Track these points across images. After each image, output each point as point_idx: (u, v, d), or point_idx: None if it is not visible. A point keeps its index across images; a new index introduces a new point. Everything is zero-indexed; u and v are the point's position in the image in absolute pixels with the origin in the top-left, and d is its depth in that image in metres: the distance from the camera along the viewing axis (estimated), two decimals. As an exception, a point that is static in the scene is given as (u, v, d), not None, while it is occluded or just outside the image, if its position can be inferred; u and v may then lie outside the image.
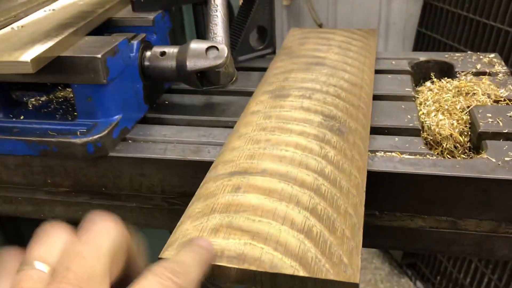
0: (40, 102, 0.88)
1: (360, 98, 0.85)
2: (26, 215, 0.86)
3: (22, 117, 0.81)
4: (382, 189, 0.70)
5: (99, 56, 0.73)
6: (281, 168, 0.65)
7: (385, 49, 3.35)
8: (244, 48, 1.08)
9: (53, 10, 0.90)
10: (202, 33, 1.03)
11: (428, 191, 0.69)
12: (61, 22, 0.81)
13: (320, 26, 3.42)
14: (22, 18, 0.90)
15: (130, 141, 0.81)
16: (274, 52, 1.13)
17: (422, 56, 1.05)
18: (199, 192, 0.64)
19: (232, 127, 0.85)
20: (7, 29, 0.81)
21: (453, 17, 2.69)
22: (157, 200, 0.79)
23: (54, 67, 0.73)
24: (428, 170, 0.68)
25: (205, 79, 0.86)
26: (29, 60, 0.66)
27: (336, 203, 0.59)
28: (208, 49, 0.82)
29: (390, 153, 0.73)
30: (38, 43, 0.73)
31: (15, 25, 0.82)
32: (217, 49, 0.82)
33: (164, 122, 0.87)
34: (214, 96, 0.95)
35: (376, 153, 0.73)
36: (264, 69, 1.07)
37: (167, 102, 0.93)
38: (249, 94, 0.96)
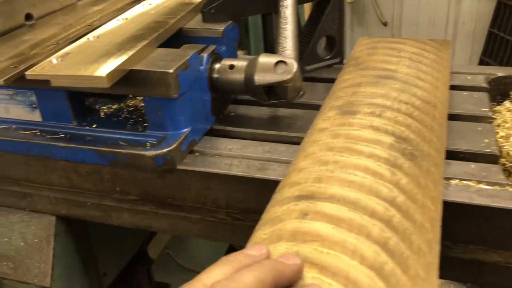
0: (112, 110, 0.90)
1: (433, 118, 0.81)
2: (94, 219, 0.89)
3: (94, 126, 0.84)
4: (456, 220, 0.67)
5: (171, 71, 0.74)
6: (350, 195, 0.63)
7: (452, 50, 3.21)
8: (311, 57, 1.06)
9: (126, 19, 0.91)
10: (271, 43, 1.02)
11: (507, 226, 0.65)
12: (134, 34, 0.83)
13: (385, 24, 3.33)
14: (97, 26, 0.93)
15: (197, 154, 0.81)
16: (342, 62, 1.11)
17: (500, 72, 0.99)
18: (266, 216, 0.63)
19: (297, 143, 0.83)
20: (84, 39, 0.83)
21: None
22: (221, 214, 0.80)
23: (126, 80, 0.74)
24: (507, 204, 0.64)
25: (273, 93, 0.85)
26: (104, 75, 0.68)
27: (409, 239, 0.56)
28: (276, 63, 0.81)
29: (465, 182, 0.69)
30: (113, 56, 0.74)
31: (90, 35, 0.84)
32: (286, 64, 0.81)
33: (229, 134, 0.87)
34: (280, 109, 0.94)
35: (451, 180, 0.70)
36: (331, 80, 1.04)
37: (233, 114, 0.93)
38: (315, 107, 0.94)
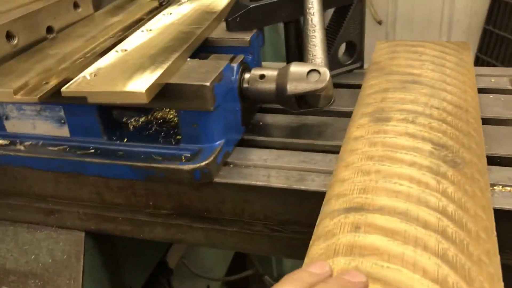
0: (140, 123, 0.89)
1: (468, 123, 0.81)
2: (125, 234, 0.88)
3: (125, 140, 0.82)
4: (505, 228, 0.66)
5: (208, 84, 0.73)
6: (399, 205, 0.62)
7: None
8: (332, 63, 1.06)
9: (151, 30, 0.90)
10: (293, 51, 1.01)
11: (554, 231, 0.65)
12: (164, 46, 0.82)
13: (380, 23, 3.34)
14: (121, 37, 0.91)
15: (231, 166, 0.80)
16: (362, 67, 1.10)
17: (523, 73, 1.00)
18: (318, 231, 0.62)
19: (330, 151, 0.83)
20: (112, 53, 0.81)
21: (525, 14, 2.57)
22: (259, 226, 0.79)
23: (162, 94, 0.73)
24: (554, 209, 0.64)
25: (304, 102, 0.84)
26: (143, 91, 0.67)
27: (467, 249, 0.56)
28: (309, 72, 0.81)
29: (509, 188, 0.69)
30: (147, 70, 0.73)
31: (118, 48, 0.83)
32: (319, 72, 0.81)
33: (261, 144, 0.86)
34: (308, 117, 0.93)
35: (494, 187, 0.70)
36: (354, 86, 1.04)
37: (261, 123, 0.92)
38: (343, 114, 0.94)
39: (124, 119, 0.90)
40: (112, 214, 0.86)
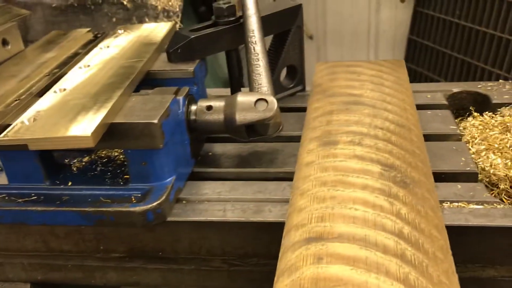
0: (84, 163, 0.85)
1: (412, 142, 0.84)
2: (75, 282, 0.83)
3: (70, 183, 0.78)
4: (453, 242, 0.69)
5: (156, 121, 0.71)
6: (358, 232, 0.63)
7: (376, 57, 3.37)
8: (275, 87, 1.06)
9: (89, 66, 0.87)
10: (236, 77, 1.01)
11: (502, 242, 0.68)
12: (106, 82, 0.79)
13: (311, 37, 3.43)
14: (57, 75, 0.87)
15: (184, 202, 0.78)
16: (304, 89, 1.12)
17: (455, 87, 1.05)
18: (281, 265, 0.62)
19: (284, 178, 0.83)
20: (50, 94, 0.77)
21: (445, 24, 2.73)
22: (217, 262, 0.77)
23: (106, 134, 0.70)
24: (501, 222, 0.67)
25: (252, 130, 0.84)
26: (89, 134, 0.64)
27: (427, 271, 0.57)
28: (257, 101, 0.81)
29: (456, 203, 0.72)
30: (90, 111, 0.70)
31: (56, 88, 0.79)
32: (266, 101, 0.81)
33: (213, 176, 0.85)
34: (257, 144, 0.93)
35: (443, 204, 0.72)
36: (297, 109, 1.05)
37: (210, 154, 0.91)
38: (291, 139, 0.94)
39: (66, 160, 0.85)
40: (60, 262, 0.81)
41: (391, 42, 3.32)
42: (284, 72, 1.11)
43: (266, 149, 0.91)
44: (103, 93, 0.75)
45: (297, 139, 0.93)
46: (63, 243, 0.79)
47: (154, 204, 0.72)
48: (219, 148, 0.93)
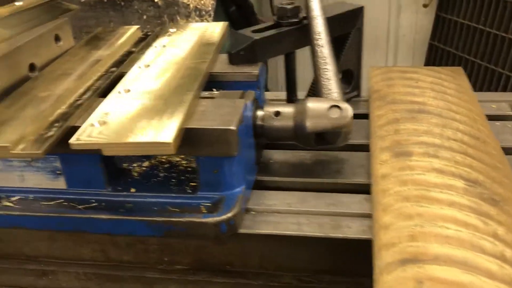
0: (145, 168, 0.80)
1: (491, 155, 0.79)
2: (132, 293, 0.79)
3: (133, 190, 0.74)
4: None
5: (234, 128, 0.66)
6: (455, 253, 0.59)
7: (394, 62, 3.33)
8: (331, 92, 1.02)
9: (148, 66, 0.82)
10: (293, 81, 0.96)
11: None
12: (174, 84, 0.74)
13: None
14: (115, 74, 0.83)
15: (253, 213, 0.74)
16: (359, 95, 1.08)
17: (519, 97, 1.01)
18: (379, 288, 0.57)
19: (355, 191, 0.79)
20: (115, 94, 0.73)
21: (468, 30, 2.69)
22: (287, 278, 0.73)
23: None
24: None
25: (321, 138, 0.79)
26: (171, 141, 0.59)
27: (542, 300, 0.53)
28: (329, 108, 0.76)
29: (549, 223, 0.68)
30: (164, 115, 0.65)
31: (120, 89, 0.74)
32: (340, 108, 0.76)
33: (277, 186, 0.80)
34: (319, 152, 0.88)
35: (536, 224, 0.68)
36: (357, 116, 1.01)
37: (271, 161, 0.87)
38: (354, 148, 0.90)
39: (125, 165, 0.81)
40: (118, 273, 0.77)
41: (411, 47, 3.28)
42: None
43: (330, 158, 0.87)
44: (173, 95, 0.71)
45: (362, 148, 0.89)
46: (124, 253, 0.74)
47: (228, 215, 0.68)
48: (279, 156, 0.88)
